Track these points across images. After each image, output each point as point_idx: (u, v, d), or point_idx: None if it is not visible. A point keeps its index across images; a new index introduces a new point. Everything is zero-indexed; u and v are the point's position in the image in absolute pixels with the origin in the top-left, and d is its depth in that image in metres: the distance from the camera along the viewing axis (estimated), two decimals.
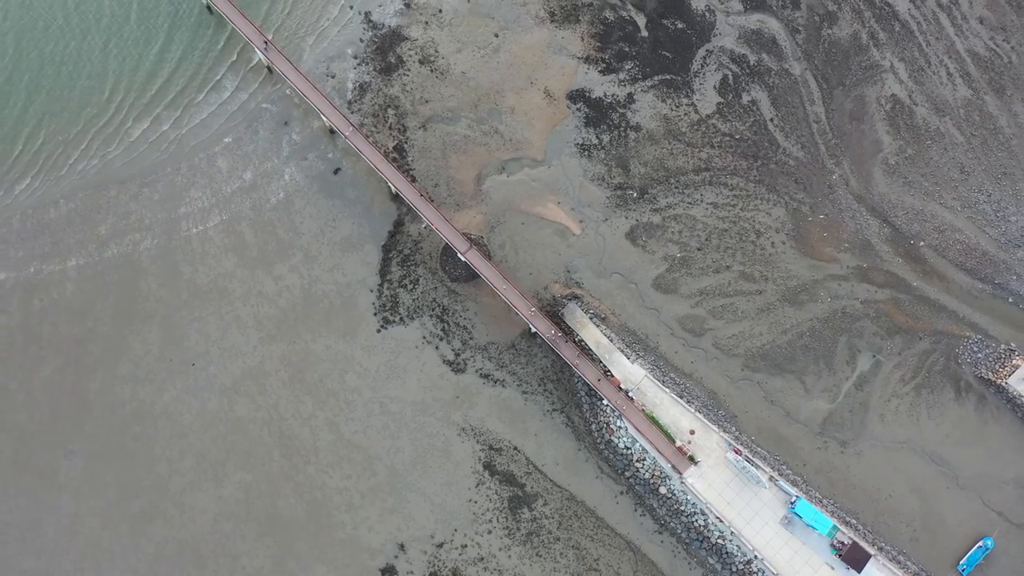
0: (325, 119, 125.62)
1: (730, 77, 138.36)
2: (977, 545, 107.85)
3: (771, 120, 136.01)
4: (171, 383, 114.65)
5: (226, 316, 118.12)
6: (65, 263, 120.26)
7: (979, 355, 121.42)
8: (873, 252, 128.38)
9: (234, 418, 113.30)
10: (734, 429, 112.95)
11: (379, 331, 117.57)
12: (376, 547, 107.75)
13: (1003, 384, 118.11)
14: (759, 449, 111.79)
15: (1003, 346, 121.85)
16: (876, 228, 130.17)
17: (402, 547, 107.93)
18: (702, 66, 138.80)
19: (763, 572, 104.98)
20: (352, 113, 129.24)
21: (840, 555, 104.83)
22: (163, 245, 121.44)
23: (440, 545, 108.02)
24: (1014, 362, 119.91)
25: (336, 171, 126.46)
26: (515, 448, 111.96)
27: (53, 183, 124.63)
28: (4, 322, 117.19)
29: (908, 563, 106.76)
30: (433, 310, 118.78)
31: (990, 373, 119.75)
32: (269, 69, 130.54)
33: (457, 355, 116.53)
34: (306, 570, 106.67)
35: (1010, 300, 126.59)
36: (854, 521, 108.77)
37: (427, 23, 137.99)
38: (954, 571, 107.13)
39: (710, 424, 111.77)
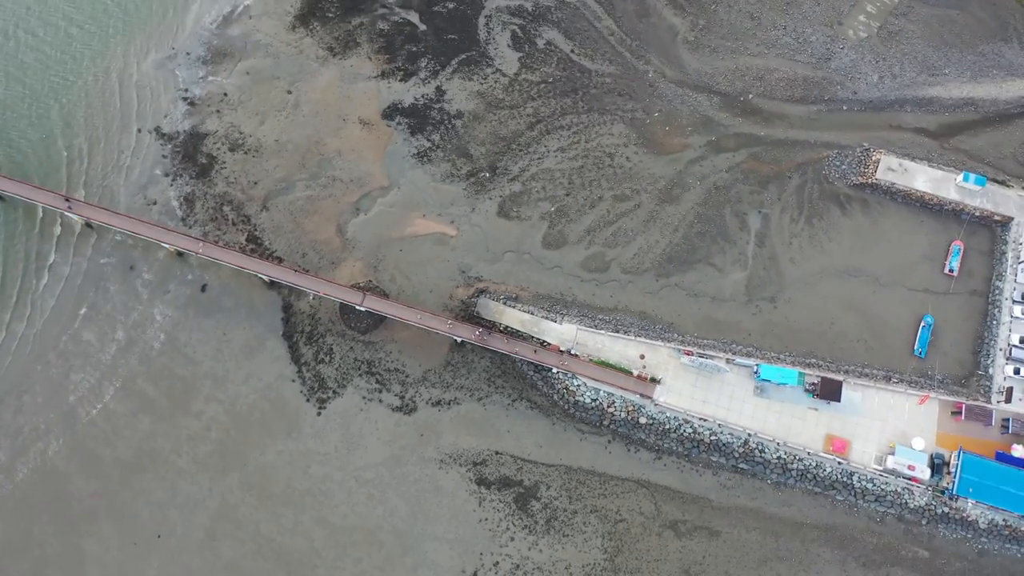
0: (168, 246, 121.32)
1: (518, 30, 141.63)
2: (921, 326, 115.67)
3: (572, 52, 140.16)
4: (147, 565, 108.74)
5: (167, 476, 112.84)
6: None
7: (843, 167, 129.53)
8: (715, 124, 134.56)
9: (225, 564, 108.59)
10: (676, 335, 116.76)
11: (319, 414, 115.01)
12: None
13: (874, 181, 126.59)
14: (705, 341, 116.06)
15: (858, 149, 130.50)
16: (707, 102, 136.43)
17: None
18: (488, 32, 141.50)
19: (761, 444, 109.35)
20: (191, 228, 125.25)
21: (817, 395, 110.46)
22: (71, 441, 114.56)
23: (475, 574, 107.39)
24: (874, 158, 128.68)
25: (203, 288, 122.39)
26: (496, 452, 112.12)
27: None
28: None
29: (874, 371, 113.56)
30: (359, 369, 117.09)
31: (859, 177, 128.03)
32: (89, 225, 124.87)
33: (402, 398, 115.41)
34: None
35: (844, 108, 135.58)
36: (814, 360, 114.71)
37: (219, 111, 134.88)
38: (914, 357, 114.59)
39: (654, 342, 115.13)
